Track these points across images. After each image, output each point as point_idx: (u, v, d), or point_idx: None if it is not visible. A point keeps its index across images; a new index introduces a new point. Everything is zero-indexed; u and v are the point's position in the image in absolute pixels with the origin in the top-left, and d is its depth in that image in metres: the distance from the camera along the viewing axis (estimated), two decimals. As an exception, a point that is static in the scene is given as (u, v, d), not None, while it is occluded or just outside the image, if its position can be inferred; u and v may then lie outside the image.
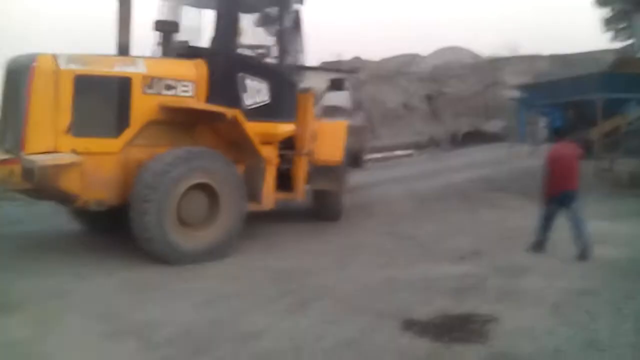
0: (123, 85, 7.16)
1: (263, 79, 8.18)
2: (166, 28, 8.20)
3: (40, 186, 6.39)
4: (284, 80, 8.51)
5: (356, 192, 12.61)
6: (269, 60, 8.68)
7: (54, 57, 6.79)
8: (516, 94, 21.12)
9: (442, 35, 62.74)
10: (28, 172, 6.29)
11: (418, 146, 26.78)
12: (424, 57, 37.10)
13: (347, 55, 35.50)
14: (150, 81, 7.31)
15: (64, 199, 6.86)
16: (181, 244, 6.91)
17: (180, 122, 7.52)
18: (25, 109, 6.59)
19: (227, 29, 8.03)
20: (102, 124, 7.05)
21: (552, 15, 59.09)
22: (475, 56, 34.86)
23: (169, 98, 7.43)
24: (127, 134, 7.14)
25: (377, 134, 29.94)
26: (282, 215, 9.66)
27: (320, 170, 9.36)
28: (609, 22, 38.71)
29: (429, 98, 32.43)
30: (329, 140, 9.64)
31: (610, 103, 14.14)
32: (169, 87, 7.45)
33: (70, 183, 6.49)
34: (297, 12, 8.75)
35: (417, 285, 6.03)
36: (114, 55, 7.48)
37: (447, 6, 64.76)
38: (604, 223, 9.42)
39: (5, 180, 6.68)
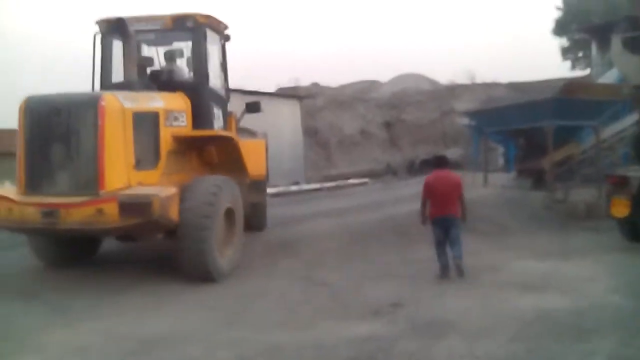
0: (155, 119, 7.69)
1: (218, 107, 9.14)
2: (144, 63, 8.85)
3: (153, 217, 6.62)
4: (226, 106, 9.55)
5: (284, 227, 11.42)
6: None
7: (115, 95, 7.19)
8: (465, 121, 20.28)
9: (401, 62, 62.87)
10: (137, 207, 6.57)
11: (374, 174, 25.77)
12: (382, 84, 36.50)
13: (305, 81, 34.69)
14: (168, 114, 7.94)
15: (160, 229, 7.20)
16: (221, 264, 7.52)
17: (181, 150, 8.24)
18: (99, 148, 6.79)
19: (202, 66, 8.80)
20: (147, 157, 7.49)
21: (512, 43, 59.71)
22: (433, 83, 34.37)
23: (176, 129, 8.12)
24: (160, 165, 7.71)
25: (333, 162, 28.97)
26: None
27: (251, 185, 9.72)
28: (566, 51, 38.89)
29: (387, 125, 31.63)
30: (254, 157, 10.00)
31: (562, 130, 13.26)
32: (175, 119, 8.11)
33: (174, 212, 6.95)
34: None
35: (305, 356, 4.81)
36: (143, 92, 7.90)
37: (406, 33, 65.05)
38: (549, 263, 8.44)
39: (90, 220, 6.64)
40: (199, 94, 8.63)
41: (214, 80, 9.13)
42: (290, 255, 9.12)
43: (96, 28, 8.82)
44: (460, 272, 7.76)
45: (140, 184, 7.15)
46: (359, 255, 9.14)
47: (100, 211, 6.62)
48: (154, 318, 6.00)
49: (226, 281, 7.59)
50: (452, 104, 29.70)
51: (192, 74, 9.18)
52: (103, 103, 6.90)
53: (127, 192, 6.83)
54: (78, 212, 6.67)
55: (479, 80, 31.86)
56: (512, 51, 57.09)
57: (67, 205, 6.70)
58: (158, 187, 7.18)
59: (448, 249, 7.93)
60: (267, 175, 12.61)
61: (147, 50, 9.60)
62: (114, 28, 8.40)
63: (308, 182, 22.99)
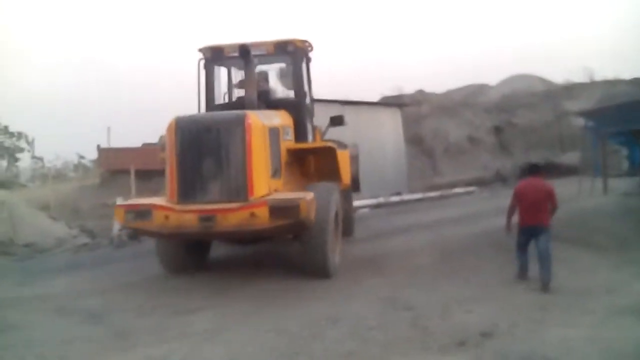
0: (278, 134, 8.61)
1: (309, 121, 10.19)
2: (247, 85, 9.39)
3: (300, 219, 7.41)
4: (312, 120, 10.47)
5: (375, 241, 10.76)
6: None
7: (256, 114, 8.17)
8: (581, 122, 18.46)
9: (511, 63, 59.77)
10: (287, 210, 7.39)
11: (483, 182, 24.32)
12: (491, 87, 34.76)
13: (409, 89, 33.80)
14: (284, 130, 8.94)
15: (303, 228, 7.79)
16: (333, 261, 8.39)
17: (290, 161, 9.04)
18: (247, 160, 7.73)
19: (301, 86, 9.83)
20: (276, 168, 8.36)
21: (636, 35, 54.75)
22: (547, 83, 32.18)
23: (288, 142, 9.11)
24: (282, 174, 8.60)
25: (439, 170, 27.78)
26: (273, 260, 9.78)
27: (340, 193, 9.88)
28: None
29: (497, 130, 29.92)
30: (343, 167, 10.31)
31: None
32: (286, 133, 9.07)
33: (312, 214, 7.72)
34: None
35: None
36: (261, 111, 8.75)
37: (517, 32, 61.72)
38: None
39: (243, 223, 7.47)
40: (299, 111, 9.73)
41: (309, 97, 10.23)
42: (375, 273, 8.45)
43: (199, 55, 9.75)
44: (546, 290, 7.41)
45: (276, 191, 8.15)
46: (452, 274, 8.25)
47: (253, 215, 7.45)
48: (214, 344, 5.57)
49: (300, 301, 7.08)
50: (568, 105, 27.50)
51: (291, 92, 10.13)
52: (250, 121, 7.86)
53: (274, 197, 7.78)
54: (233, 217, 7.51)
55: (598, 77, 29.38)
56: (637, 44, 52.37)
57: (223, 210, 7.54)
58: (298, 192, 8.21)
59: (536, 260, 7.74)
60: (358, 185, 13.19)
61: (234, 74, 10.64)
62: (216, 54, 9.74)
63: (412, 192, 22.12)
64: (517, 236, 8.01)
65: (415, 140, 28.26)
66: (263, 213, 7.42)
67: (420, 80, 60.20)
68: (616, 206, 11.86)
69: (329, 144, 9.74)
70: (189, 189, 7.82)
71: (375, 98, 29.72)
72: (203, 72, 9.80)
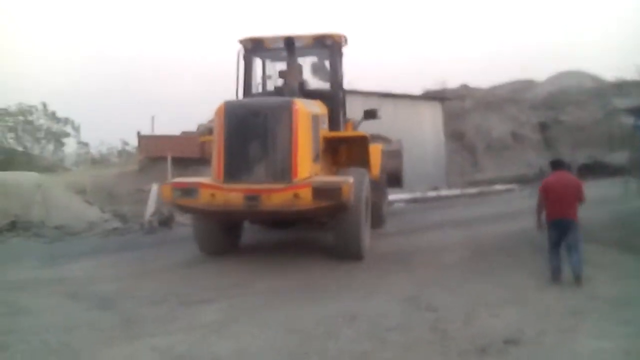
0: (318, 122, 8.93)
1: (342, 112, 10.49)
2: (287, 76, 9.87)
3: (341, 201, 7.80)
4: (345, 111, 10.80)
5: (405, 236, 10.41)
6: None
7: (302, 101, 8.60)
8: (630, 120, 17.57)
9: (561, 59, 57.79)
10: (329, 192, 7.77)
11: (526, 179, 23.50)
12: (538, 83, 33.65)
13: (453, 83, 33.02)
14: (322, 118, 9.29)
15: (342, 210, 8.10)
16: (365, 245, 8.84)
17: (324, 148, 9.27)
18: (293, 144, 8.10)
19: (337, 79, 10.24)
20: (316, 154, 8.67)
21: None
22: (597, 80, 30.92)
23: (325, 130, 9.44)
24: (320, 159, 8.90)
25: (481, 166, 27.05)
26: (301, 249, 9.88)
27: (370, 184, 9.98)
28: None
29: (543, 126, 28.94)
30: (373, 159, 10.59)
31: None
32: (323, 122, 9.40)
33: (351, 196, 8.01)
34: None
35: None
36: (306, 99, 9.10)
37: (567, 28, 59.68)
38: None
39: (287, 204, 7.82)
40: (334, 102, 10.08)
41: (343, 89, 10.55)
42: (401, 269, 8.09)
43: (239, 46, 10.13)
44: (578, 282, 7.40)
45: (317, 174, 8.49)
46: (482, 274, 7.83)
47: (296, 195, 7.78)
48: (222, 337, 5.35)
49: (319, 296, 6.80)
50: (618, 102, 26.31)
51: (328, 84, 10.46)
52: (296, 107, 8.25)
53: (318, 179, 8.15)
54: (278, 197, 7.84)
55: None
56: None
57: (268, 190, 7.88)
58: (339, 176, 8.52)
59: (565, 254, 7.60)
60: (400, 180, 13.99)
61: (268, 66, 11.06)
62: (255, 45, 10.14)
63: (450, 187, 21.58)
64: (547, 232, 7.86)
65: (456, 135, 27.60)
66: (306, 194, 7.75)
67: (465, 75, 58.88)
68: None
69: (362, 133, 10.10)
70: (234, 170, 8.16)
71: (418, 92, 29.10)
72: (242, 63, 10.15)
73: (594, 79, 31.61)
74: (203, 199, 8.06)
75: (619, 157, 23.67)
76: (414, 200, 17.89)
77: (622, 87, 29.00)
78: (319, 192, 7.76)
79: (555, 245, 7.75)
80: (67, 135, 43.86)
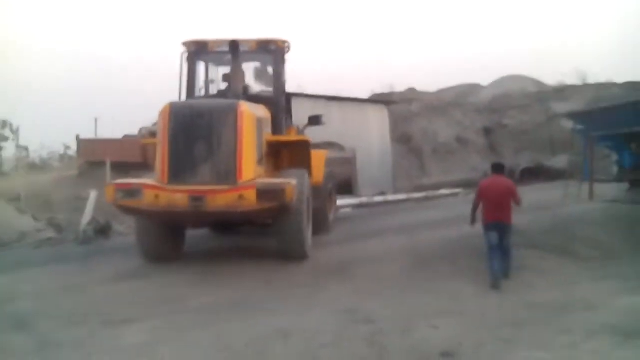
0: (262, 125, 9.07)
1: (286, 117, 10.92)
2: (231, 80, 10.09)
3: (285, 203, 7.98)
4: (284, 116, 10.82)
5: (346, 244, 10.24)
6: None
7: (246, 104, 8.67)
8: (570, 124, 17.98)
9: (505, 64, 59.21)
10: (273, 193, 7.95)
11: (471, 184, 23.78)
12: (483, 87, 34.28)
13: (401, 87, 33.26)
14: (265, 122, 9.44)
15: (285, 211, 8.29)
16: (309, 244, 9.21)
17: (267, 152, 9.44)
18: (238, 145, 8.19)
19: (280, 84, 10.43)
20: (260, 156, 8.80)
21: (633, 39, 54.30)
22: (539, 85, 31.71)
23: (268, 134, 9.62)
24: (263, 162, 9.01)
25: (427, 171, 27.26)
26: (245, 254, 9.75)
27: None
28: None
29: (487, 131, 29.42)
30: (315, 165, 10.74)
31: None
32: (267, 126, 9.57)
33: (294, 197, 8.20)
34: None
35: None
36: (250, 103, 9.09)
37: (511, 33, 61.31)
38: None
39: (232, 205, 7.94)
40: (277, 107, 10.23)
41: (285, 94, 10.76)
42: (340, 280, 7.90)
43: (183, 48, 10.19)
44: (497, 287, 7.53)
45: (261, 176, 8.61)
46: (423, 283, 7.73)
47: (241, 197, 7.93)
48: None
49: (252, 312, 6.53)
50: (559, 107, 26.99)
51: (270, 89, 10.72)
52: (242, 109, 8.37)
53: (262, 181, 8.31)
54: (222, 198, 7.95)
55: (591, 80, 28.93)
56: (633, 48, 51.97)
57: (213, 192, 7.96)
58: (283, 178, 8.58)
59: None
60: (352, 187, 14.82)
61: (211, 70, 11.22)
62: (199, 48, 10.20)
63: (397, 192, 21.60)
64: (484, 236, 8.18)
65: (403, 140, 27.73)
66: (251, 195, 7.91)
67: (412, 79, 59.59)
68: (601, 213, 11.30)
69: (304, 137, 10.49)
70: (179, 171, 8.16)
71: (366, 95, 29.15)
72: (185, 65, 10.19)
73: (536, 83, 32.39)
74: (147, 200, 8.03)
75: (560, 161, 24.29)
76: (361, 205, 17.76)
77: (563, 92, 29.79)
78: (264, 193, 7.92)
79: (494, 249, 7.95)
80: (5, 139, 42.02)
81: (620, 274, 8.23)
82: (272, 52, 10.27)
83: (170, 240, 9.19)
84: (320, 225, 10.99)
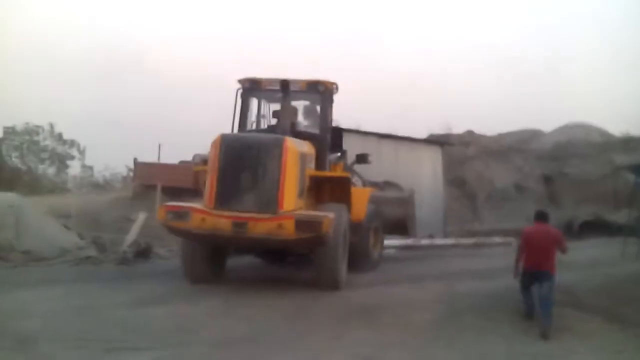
0: (305, 160, 9.65)
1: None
2: (280, 116, 10.66)
3: (321, 234, 8.41)
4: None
5: (381, 287, 9.87)
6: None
7: (292, 139, 9.35)
8: (631, 177, 16.99)
9: (569, 110, 57.15)
10: (311, 225, 8.41)
11: (525, 233, 22.85)
12: (545, 134, 33.25)
13: (459, 128, 32.70)
14: (309, 157, 10.03)
15: (321, 242, 8.72)
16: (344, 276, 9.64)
17: (311, 186, 10.01)
18: (282, 178, 8.78)
19: (326, 123, 10.96)
20: (301, 189, 9.37)
21: None
22: (604, 134, 30.48)
23: (311, 169, 10.13)
24: (304, 195, 9.59)
25: (481, 216, 26.45)
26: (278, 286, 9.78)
27: (351, 226, 10.59)
28: None
29: (547, 179, 28.37)
30: (357, 201, 11.08)
31: None
32: (310, 161, 10.10)
33: (331, 230, 8.58)
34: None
35: None
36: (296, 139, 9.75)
37: (576, 79, 59.44)
38: None
39: (271, 233, 8.48)
40: (322, 144, 10.74)
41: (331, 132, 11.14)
42: (365, 326, 7.48)
43: (238, 85, 10.84)
44: (545, 336, 7.35)
45: (300, 208, 9.11)
46: (451, 337, 7.22)
47: (280, 225, 8.42)
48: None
49: (265, 352, 6.26)
50: (624, 159, 25.75)
51: (317, 127, 11.28)
52: (287, 144, 8.97)
53: (301, 212, 8.82)
54: (263, 225, 8.48)
55: (659, 132, 27.59)
56: None
57: (255, 219, 8.52)
58: (321, 212, 9.05)
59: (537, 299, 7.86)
60: (406, 228, 15.03)
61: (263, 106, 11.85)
62: (253, 86, 10.85)
63: (448, 235, 20.97)
64: (521, 278, 8.22)
65: (458, 182, 27.13)
66: (289, 225, 8.38)
67: (472, 121, 58.41)
68: (658, 276, 10.50)
69: (344, 174, 11.09)
70: (225, 197, 8.78)
71: (423, 135, 28.75)
72: (239, 101, 10.89)
73: (601, 132, 31.17)
74: (194, 222, 8.59)
75: (623, 216, 23.02)
76: (406, 247, 17.28)
77: (628, 143, 28.51)
78: (301, 224, 8.37)
79: (526, 287, 8.08)
80: (71, 157, 43.76)
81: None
82: (320, 92, 10.81)
83: (212, 263, 9.65)
84: (362, 262, 11.27)
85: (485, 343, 7.11)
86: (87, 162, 43.37)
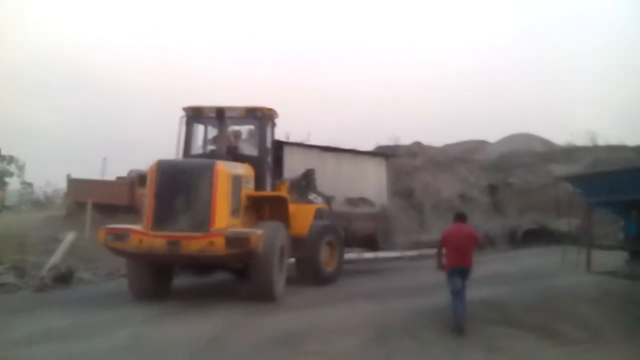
0: (240, 181, 10.34)
1: (270, 174, 11.85)
2: (217, 142, 11.61)
3: (250, 249, 9.08)
4: (272, 174, 12.12)
5: (307, 310, 9.38)
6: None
7: (223, 163, 10.01)
8: (569, 187, 17.08)
9: (514, 121, 58.33)
10: (239, 241, 9.06)
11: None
12: (490, 144, 33.54)
13: (406, 139, 32.63)
14: (245, 179, 10.66)
15: (251, 258, 9.45)
16: (279, 288, 10.08)
17: (248, 205, 10.70)
18: (213, 199, 9.47)
19: (264, 146, 11.62)
20: (235, 209, 10.06)
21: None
22: (547, 144, 30.90)
23: (249, 190, 10.79)
24: (241, 214, 10.28)
25: (427, 227, 26.28)
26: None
27: (295, 241, 11.58)
28: None
29: (492, 189, 28.50)
30: (301, 217, 12.04)
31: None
32: (247, 182, 10.79)
33: (259, 245, 9.26)
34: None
35: None
36: (228, 162, 10.44)
37: (521, 91, 60.83)
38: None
39: (203, 250, 9.12)
40: (261, 166, 11.40)
41: (270, 155, 11.80)
42: (291, 355, 6.97)
43: (182, 112, 11.51)
44: (461, 333, 8.05)
45: (233, 226, 9.70)
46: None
47: (211, 243, 9.09)
48: None
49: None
50: (566, 169, 26.08)
51: (256, 150, 11.69)
52: (218, 168, 9.67)
53: (230, 230, 9.38)
54: (196, 243, 9.12)
55: (601, 142, 28.05)
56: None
57: (187, 237, 9.16)
58: (250, 228, 9.75)
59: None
60: (376, 243, 16.21)
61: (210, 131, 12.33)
62: (196, 113, 11.52)
63: (394, 248, 20.64)
64: (448, 280, 8.76)
65: (405, 194, 26.94)
66: (220, 242, 9.06)
67: (420, 132, 58.85)
68: (594, 288, 10.32)
69: (280, 194, 11.68)
70: (161, 219, 9.45)
71: (370, 147, 28.48)
72: (184, 128, 11.55)
73: (545, 142, 31.60)
74: (132, 243, 9.32)
75: (564, 224, 23.21)
76: (348, 262, 16.87)
77: (572, 153, 28.93)
78: (231, 240, 9.04)
79: (457, 294, 8.54)
80: (10, 174, 41.90)
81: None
82: (258, 118, 11.51)
83: (157, 281, 10.21)
84: (312, 276, 12.08)
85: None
86: (29, 178, 41.58)
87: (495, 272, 13.25)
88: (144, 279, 10.03)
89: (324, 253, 12.51)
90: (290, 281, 11.29)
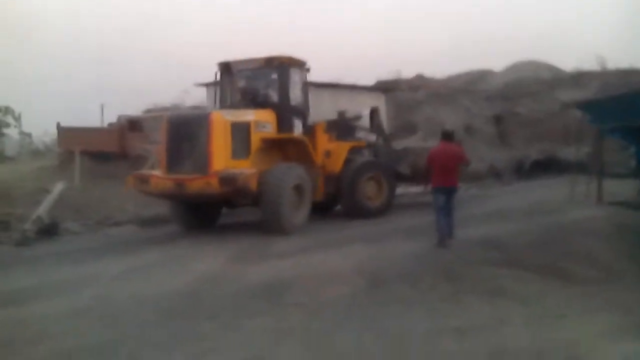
0: (247, 127, 11.36)
1: (298, 118, 12.65)
2: (246, 91, 12.65)
3: (240, 187, 10.29)
4: (306, 118, 13.10)
5: (299, 256, 8.81)
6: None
7: (220, 112, 11.28)
8: (579, 114, 16.17)
9: (520, 48, 56.26)
10: (230, 180, 10.26)
11: (476, 176, 22.02)
12: (495, 74, 32.30)
13: (408, 73, 31.48)
14: (257, 124, 11.61)
15: (245, 196, 10.79)
16: (293, 221, 11.18)
17: (268, 147, 11.80)
18: (210, 145, 10.65)
19: (284, 92, 12.32)
20: (241, 152, 11.15)
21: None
22: (555, 71, 29.66)
23: (263, 133, 11.73)
24: (251, 156, 11.33)
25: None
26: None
27: (327, 178, 12.96)
28: None
29: (497, 119, 27.55)
30: (333, 156, 13.16)
31: None
32: (263, 127, 11.77)
33: (253, 184, 10.45)
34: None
35: None
36: (238, 110, 11.76)
37: (526, 17, 58.51)
38: None
39: (202, 189, 10.41)
40: (282, 110, 12.22)
41: (295, 100, 12.62)
42: (266, 310, 6.34)
43: (216, 68, 12.63)
44: (443, 245, 8.71)
45: (234, 167, 10.67)
46: (368, 315, 6.18)
47: (208, 183, 10.33)
48: None
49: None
50: (576, 95, 25.01)
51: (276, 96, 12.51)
52: (212, 117, 10.85)
53: (224, 171, 10.46)
54: (196, 184, 10.44)
55: (611, 66, 26.80)
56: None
57: (190, 179, 10.53)
58: (245, 169, 10.73)
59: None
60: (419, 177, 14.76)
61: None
62: (225, 67, 12.46)
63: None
64: (433, 198, 9.14)
65: (408, 128, 26.09)
66: (214, 182, 10.26)
67: (422, 65, 57.08)
68: (606, 222, 9.63)
69: (297, 136, 12.39)
70: (172, 164, 11.07)
71: (371, 82, 27.46)
72: (219, 80, 12.73)
73: (552, 69, 30.37)
74: (152, 185, 11.13)
75: (572, 152, 22.34)
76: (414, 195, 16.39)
77: (580, 78, 27.76)
78: (223, 180, 10.21)
79: (441, 209, 8.91)
80: (7, 125, 41.11)
81: (620, 303, 6.60)
82: (276, 67, 12.35)
83: (194, 214, 12.10)
84: (354, 210, 13.11)
85: (406, 317, 6.09)
86: (27, 129, 40.86)
87: (499, 207, 12.61)
88: (180, 213, 12.01)
89: (368, 188, 13.31)
90: (336, 215, 13.19)
